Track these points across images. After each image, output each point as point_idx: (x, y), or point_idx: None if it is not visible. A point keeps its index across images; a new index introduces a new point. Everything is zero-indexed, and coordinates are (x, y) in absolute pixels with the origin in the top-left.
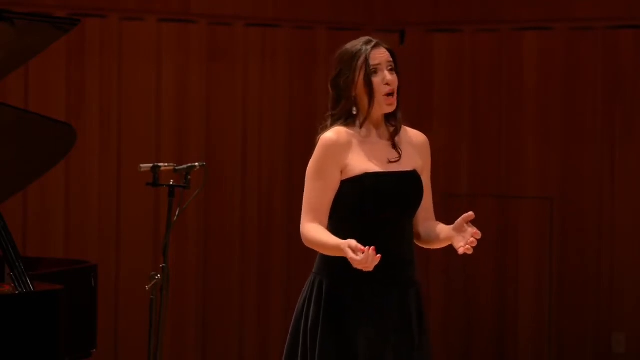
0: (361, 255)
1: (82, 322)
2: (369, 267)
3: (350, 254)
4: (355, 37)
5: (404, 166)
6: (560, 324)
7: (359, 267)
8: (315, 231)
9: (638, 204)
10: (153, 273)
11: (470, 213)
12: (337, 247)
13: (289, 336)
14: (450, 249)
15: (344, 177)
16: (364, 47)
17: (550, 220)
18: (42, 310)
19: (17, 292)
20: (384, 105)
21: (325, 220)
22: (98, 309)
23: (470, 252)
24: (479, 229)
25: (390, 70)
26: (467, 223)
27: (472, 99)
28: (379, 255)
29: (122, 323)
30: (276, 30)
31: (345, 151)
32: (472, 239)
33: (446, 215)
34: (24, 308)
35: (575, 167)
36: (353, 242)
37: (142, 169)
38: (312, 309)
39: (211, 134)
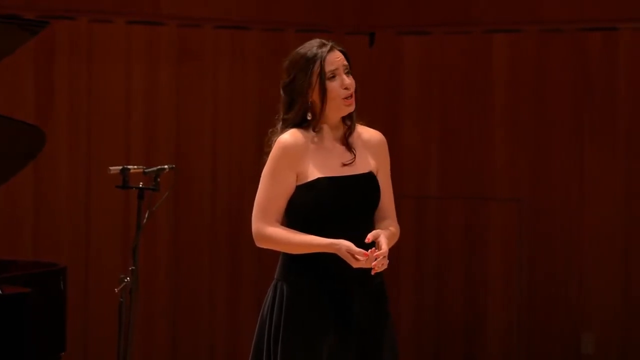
0: (364, 258)
1: (51, 325)
2: (370, 265)
3: (351, 259)
4: (326, 40)
5: (358, 169)
6: (530, 324)
7: (359, 266)
8: (284, 231)
9: (607, 205)
10: (122, 276)
11: (375, 231)
12: (328, 246)
13: (254, 341)
14: (420, 249)
15: (299, 183)
16: (319, 52)
17: (519, 221)
18: (9, 313)
19: None
20: (343, 107)
21: (279, 222)
22: (67, 312)
23: (379, 270)
24: (448, 230)
25: (347, 73)
26: (377, 240)
27: (442, 101)
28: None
29: (92, 326)
30: (246, 32)
31: (301, 155)
32: (378, 258)
33: (417, 216)
34: None
35: (545, 169)
36: (353, 247)
37: (112, 172)
38: (274, 313)
39: (181, 136)
